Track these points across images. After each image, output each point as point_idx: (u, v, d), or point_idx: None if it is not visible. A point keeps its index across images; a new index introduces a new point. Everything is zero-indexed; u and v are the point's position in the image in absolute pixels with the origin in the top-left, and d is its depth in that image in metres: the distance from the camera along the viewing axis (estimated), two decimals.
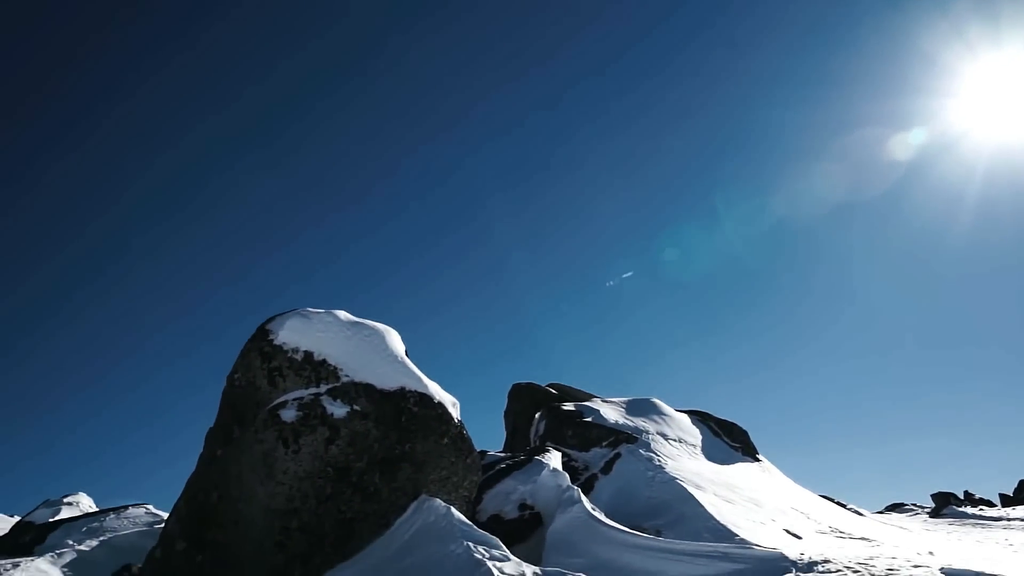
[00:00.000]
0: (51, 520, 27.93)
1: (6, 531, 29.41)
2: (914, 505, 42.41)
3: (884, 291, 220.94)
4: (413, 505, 15.86)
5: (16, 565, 20.43)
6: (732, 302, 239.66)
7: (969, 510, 35.51)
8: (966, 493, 41.40)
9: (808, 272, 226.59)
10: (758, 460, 30.26)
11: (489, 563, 13.01)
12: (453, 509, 15.26)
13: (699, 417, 31.78)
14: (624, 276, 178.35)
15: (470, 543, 13.85)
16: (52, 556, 21.51)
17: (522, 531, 19.02)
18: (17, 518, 35.50)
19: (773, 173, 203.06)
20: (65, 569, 20.82)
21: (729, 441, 30.65)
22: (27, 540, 25.14)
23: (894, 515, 37.74)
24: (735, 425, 32.09)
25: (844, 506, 31.80)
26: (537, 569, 13.20)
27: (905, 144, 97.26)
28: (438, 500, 15.74)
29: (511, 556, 13.68)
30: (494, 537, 14.38)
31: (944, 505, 37.07)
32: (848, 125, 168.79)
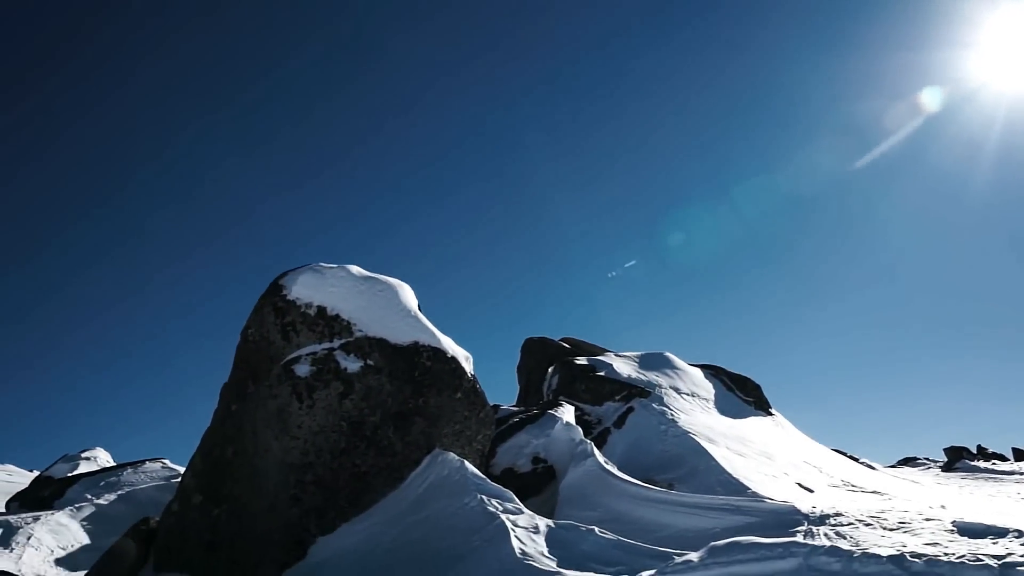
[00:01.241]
0: (69, 475, 28.25)
1: (26, 486, 29.77)
2: (926, 459, 42.44)
3: (900, 246, 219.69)
4: (427, 459, 15.93)
5: (36, 519, 20.69)
6: (746, 261, 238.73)
7: (981, 464, 35.49)
8: (979, 447, 41.35)
9: (823, 231, 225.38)
10: (771, 414, 30.27)
11: (503, 516, 13.07)
12: (467, 463, 15.33)
13: (712, 371, 31.75)
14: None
15: (484, 496, 13.92)
16: (71, 510, 21.77)
17: (535, 484, 19.13)
18: (36, 473, 35.96)
19: (790, 137, 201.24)
20: (84, 523, 21.09)
21: (742, 395, 30.65)
22: (46, 494, 25.46)
23: (906, 469, 37.76)
24: (748, 379, 32.07)
25: (856, 460, 31.86)
26: (550, 522, 13.26)
27: (924, 99, 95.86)
28: (452, 454, 15.81)
29: (524, 509, 13.74)
30: (507, 490, 14.44)
31: (956, 459, 37.04)
32: (866, 81, 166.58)
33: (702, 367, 31.89)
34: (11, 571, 14.53)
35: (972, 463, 35.75)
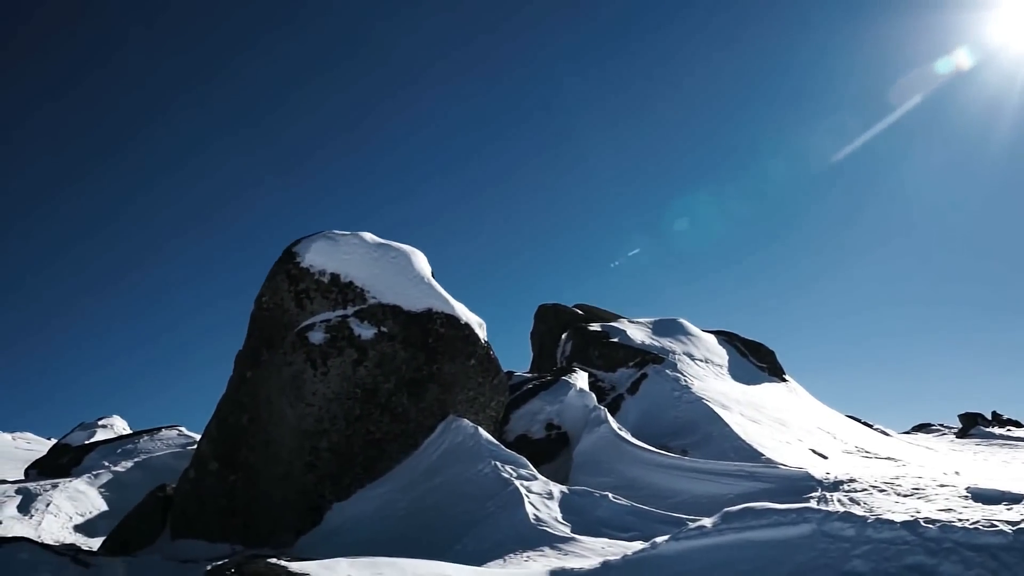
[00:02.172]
0: (87, 442, 28.56)
1: (44, 453, 30.10)
2: (941, 425, 42.27)
3: (915, 211, 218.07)
4: (441, 425, 15.99)
5: (55, 486, 20.95)
6: (760, 231, 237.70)
7: (996, 431, 35.31)
8: (994, 414, 41.12)
9: (837, 198, 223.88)
10: (785, 380, 30.22)
11: (517, 482, 13.13)
12: (481, 429, 15.38)
13: (726, 337, 31.67)
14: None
15: (498, 463, 13.98)
16: (89, 477, 22.04)
17: (549, 451, 19.19)
18: (54, 440, 36.31)
19: (806, 106, 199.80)
20: (102, 489, 21.34)
21: (756, 361, 30.59)
22: (64, 462, 25.75)
23: (920, 435, 37.67)
24: (762, 345, 31.97)
25: (870, 426, 31.81)
26: (564, 488, 13.32)
27: (944, 62, 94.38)
28: (466, 420, 15.86)
29: (538, 475, 13.80)
30: (521, 457, 14.51)
31: (971, 425, 36.87)
32: (886, 45, 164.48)
33: (716, 333, 31.83)
34: (31, 537, 14.69)
35: (987, 429, 35.58)
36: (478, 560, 10.53)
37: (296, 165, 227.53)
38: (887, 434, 31.20)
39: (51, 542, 15.99)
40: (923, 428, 42.48)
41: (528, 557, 10.65)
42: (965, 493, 12.31)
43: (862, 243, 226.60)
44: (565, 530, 11.52)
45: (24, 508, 19.30)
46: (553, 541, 11.11)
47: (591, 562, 9.04)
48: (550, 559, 10.39)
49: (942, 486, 13.23)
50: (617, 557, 8.70)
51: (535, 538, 11.29)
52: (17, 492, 20.45)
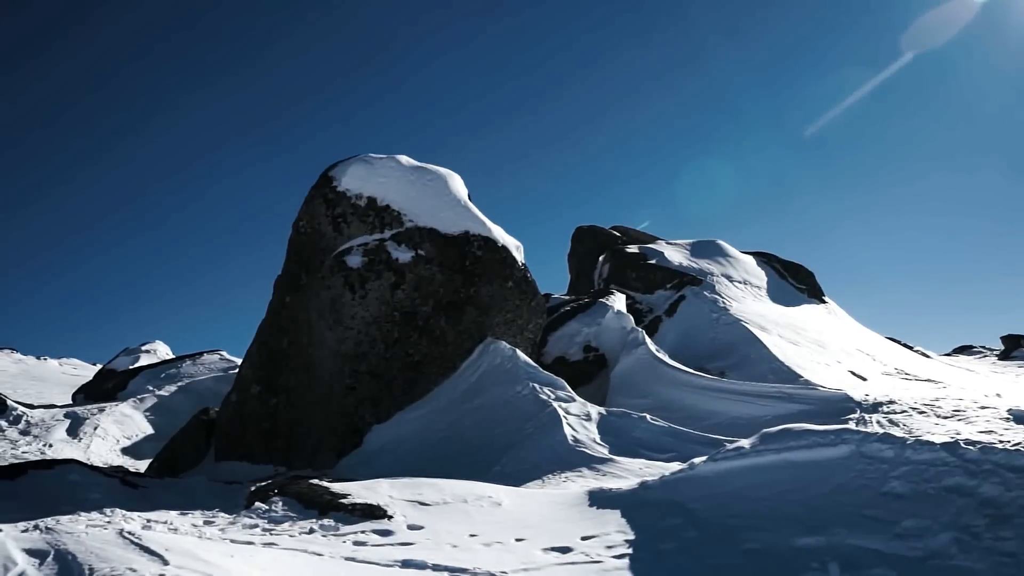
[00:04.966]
0: (131, 367, 29.15)
1: (90, 378, 30.78)
2: (983, 347, 41.74)
3: (958, 130, 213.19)
4: (479, 348, 16.07)
5: (102, 410, 21.47)
6: (799, 154, 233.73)
7: None
8: None
9: (878, 118, 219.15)
10: (824, 302, 29.95)
11: (555, 404, 13.21)
12: (518, 351, 15.44)
13: (764, 259, 31.33)
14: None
15: (536, 384, 14.04)
16: (134, 401, 22.55)
17: (587, 372, 19.27)
18: (99, 366, 37.12)
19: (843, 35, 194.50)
20: (147, 413, 21.85)
21: (795, 283, 30.28)
22: (110, 387, 26.32)
23: (961, 357, 37.31)
24: (801, 267, 31.60)
25: (910, 348, 31.53)
26: (602, 409, 13.39)
27: None
28: (503, 343, 15.92)
29: (576, 397, 13.87)
30: (559, 378, 14.57)
31: (1014, 347, 36.42)
32: None
33: (754, 254, 31.49)
34: (80, 459, 15.09)
35: None
36: (517, 481, 10.66)
37: (337, 81, 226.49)
38: (927, 356, 30.95)
39: (100, 464, 16.42)
40: (964, 350, 42.02)
41: (566, 478, 10.76)
42: (1006, 415, 12.24)
43: (904, 163, 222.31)
44: (603, 451, 11.61)
45: (73, 431, 19.82)
46: (591, 462, 11.21)
47: (629, 483, 9.10)
48: (588, 480, 10.50)
49: (983, 408, 13.16)
50: (655, 478, 8.74)
51: (573, 459, 11.39)
52: (66, 416, 20.98)
